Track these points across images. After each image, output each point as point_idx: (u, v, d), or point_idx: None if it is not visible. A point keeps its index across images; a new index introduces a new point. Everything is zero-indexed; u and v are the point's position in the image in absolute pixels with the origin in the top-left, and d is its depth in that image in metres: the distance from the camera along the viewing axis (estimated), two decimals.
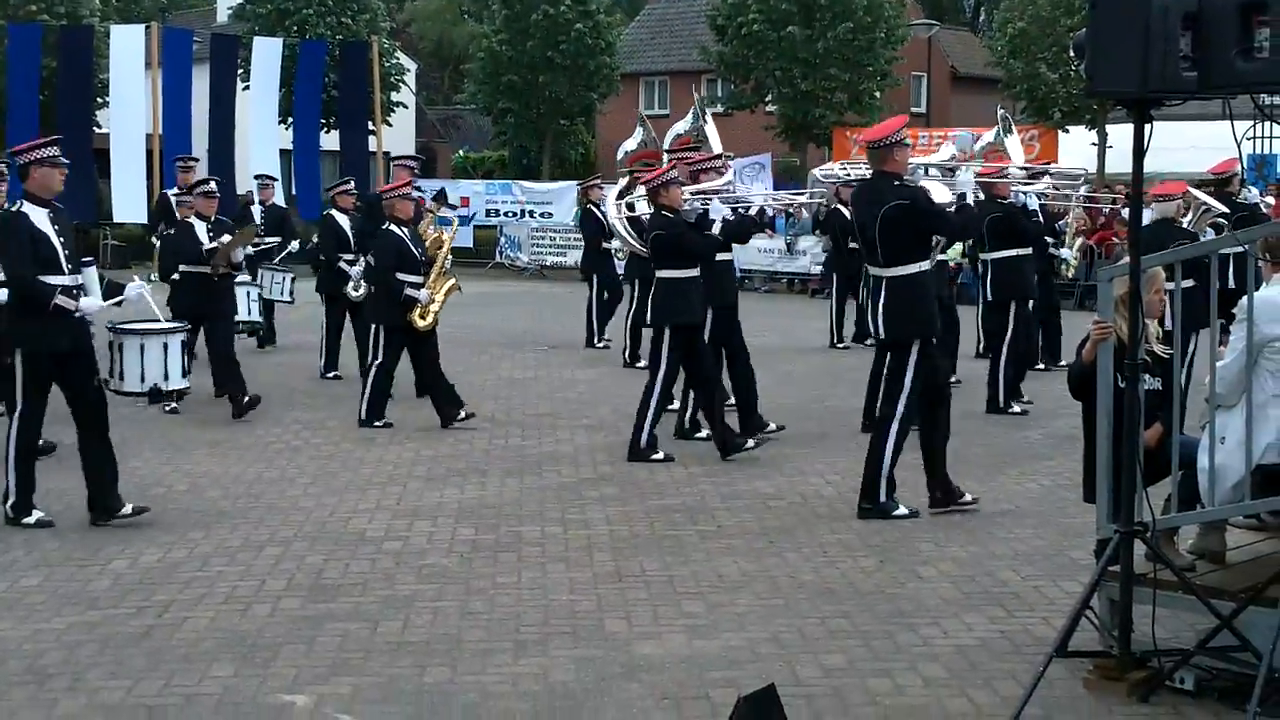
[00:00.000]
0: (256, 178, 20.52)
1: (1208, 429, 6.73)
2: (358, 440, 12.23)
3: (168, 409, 13.11)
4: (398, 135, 40.54)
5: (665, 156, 14.62)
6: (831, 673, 6.55)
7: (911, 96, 48.09)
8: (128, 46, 31.91)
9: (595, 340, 19.04)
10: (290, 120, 34.77)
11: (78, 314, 9.28)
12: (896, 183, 9.63)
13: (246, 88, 33.65)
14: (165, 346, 11.45)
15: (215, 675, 6.50)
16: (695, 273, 11.53)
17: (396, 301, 12.77)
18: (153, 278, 15.65)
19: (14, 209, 9.33)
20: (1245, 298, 6.60)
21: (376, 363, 12.93)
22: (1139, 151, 6.26)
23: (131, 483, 10.49)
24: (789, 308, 25.84)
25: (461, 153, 51.75)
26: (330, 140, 35.40)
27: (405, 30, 64.90)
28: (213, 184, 14.32)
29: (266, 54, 33.87)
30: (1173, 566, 6.38)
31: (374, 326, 13.16)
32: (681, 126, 16.04)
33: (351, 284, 15.27)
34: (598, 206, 18.90)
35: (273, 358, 17.51)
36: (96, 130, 34.23)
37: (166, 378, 11.43)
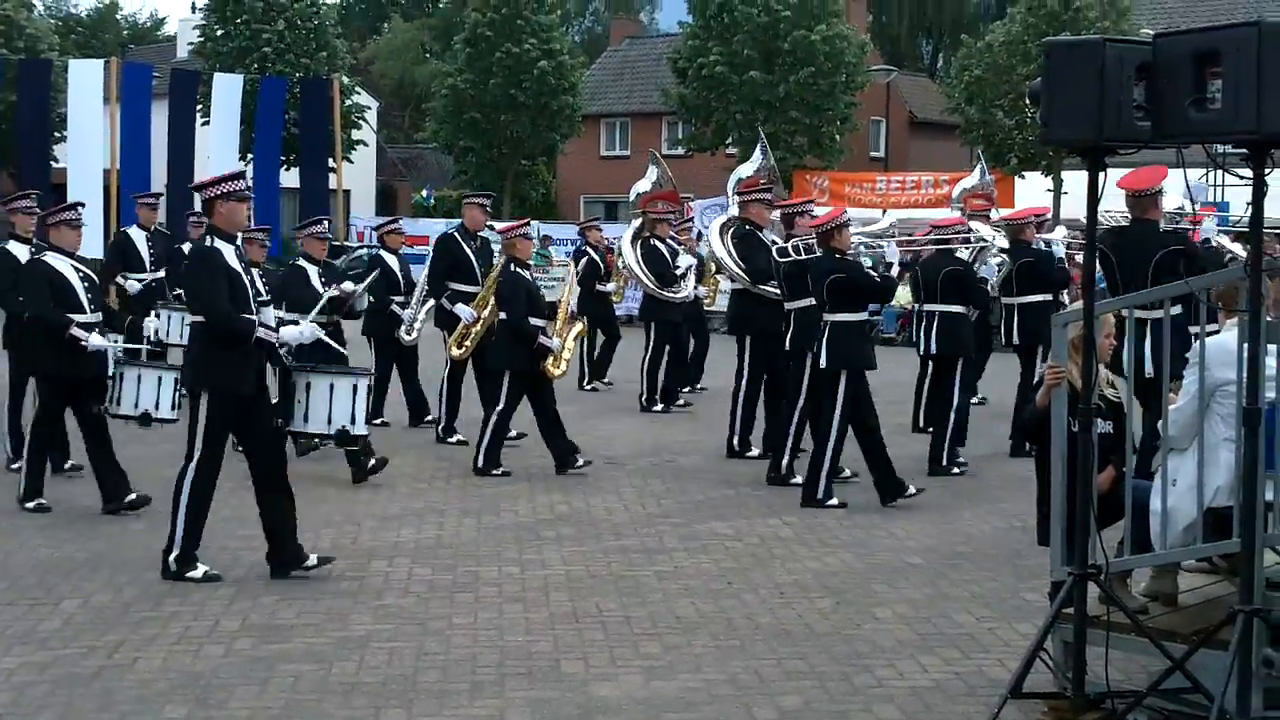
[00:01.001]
0: (189, 215, 18.88)
1: (1160, 472, 6.79)
2: (314, 479, 12.15)
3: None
4: (359, 173, 40.65)
5: (733, 198, 14.65)
6: (788, 714, 6.56)
7: (870, 141, 48.46)
8: (86, 81, 31.81)
9: (585, 383, 18.88)
10: (250, 157, 34.72)
11: (282, 349, 9.55)
12: (1163, 230, 10.50)
13: (206, 123, 33.59)
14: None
15: (168, 717, 6.44)
16: (865, 316, 11.74)
17: (528, 346, 12.40)
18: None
19: (208, 244, 8.93)
20: (1197, 343, 6.67)
21: (497, 409, 12.52)
22: (1093, 198, 6.34)
23: (83, 520, 10.46)
24: None
25: (423, 193, 51.70)
26: (290, 178, 35.36)
27: (367, 68, 64.96)
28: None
29: (227, 90, 33.81)
30: (1126, 609, 6.43)
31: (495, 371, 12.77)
32: (746, 170, 15.89)
33: (404, 327, 14.65)
34: (594, 248, 18.81)
35: None
36: (54, 165, 34.11)
37: (353, 421, 10.84)
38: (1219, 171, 6.40)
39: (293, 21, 40.18)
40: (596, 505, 11.21)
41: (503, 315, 12.64)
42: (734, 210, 14.32)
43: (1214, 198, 23.10)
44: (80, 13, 78.63)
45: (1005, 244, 13.71)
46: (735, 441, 13.60)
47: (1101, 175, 6.29)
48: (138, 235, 16.44)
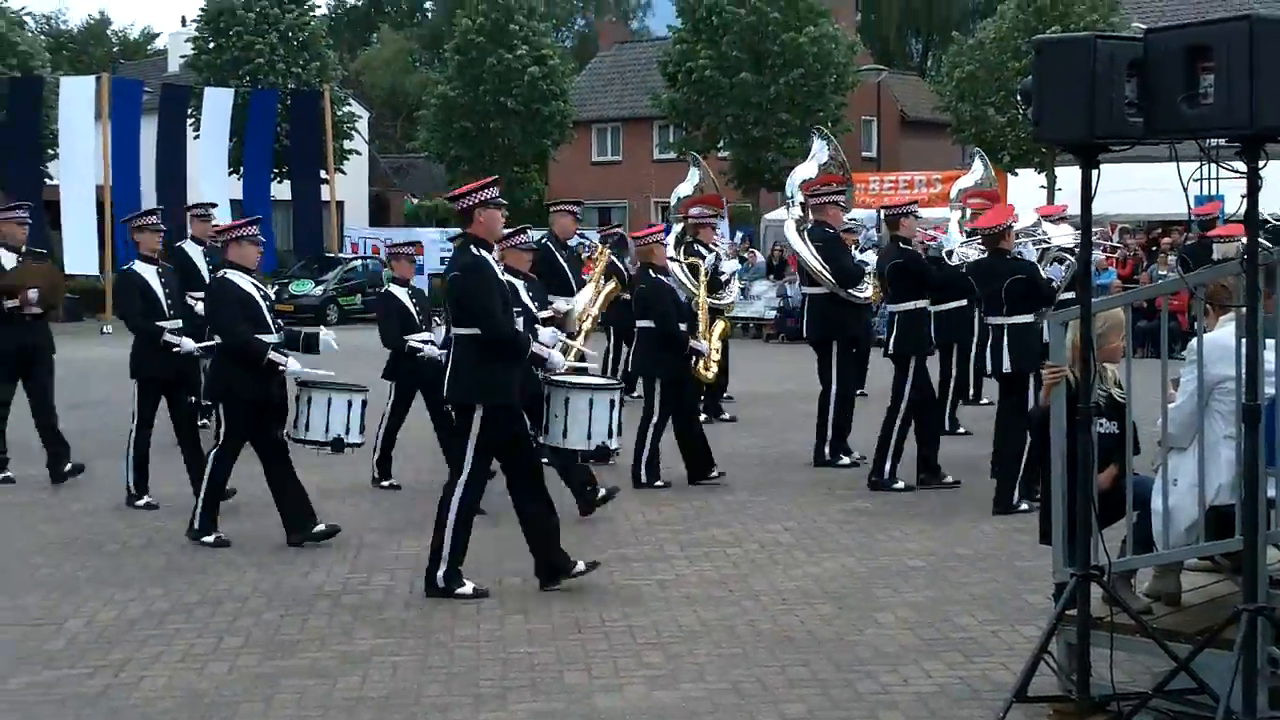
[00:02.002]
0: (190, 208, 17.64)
1: (1160, 471, 6.78)
2: (316, 494, 12.12)
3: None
4: (350, 183, 40.65)
5: (799, 197, 14.54)
6: None
7: (862, 141, 48.45)
8: (77, 97, 31.87)
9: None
10: (241, 170, 34.75)
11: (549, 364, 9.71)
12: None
13: (197, 137, 33.62)
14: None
15: None
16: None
17: (679, 352, 12.35)
18: (106, 330, 15.41)
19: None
20: (1195, 339, 6.67)
21: (652, 421, 12.39)
22: (1086, 196, 6.33)
23: (86, 538, 10.45)
24: (777, 353, 25.88)
25: (413, 199, 51.71)
26: (282, 189, 35.38)
27: (358, 79, 65.01)
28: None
29: (217, 104, 33.87)
30: (1129, 610, 6.42)
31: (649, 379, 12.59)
32: (809, 170, 15.32)
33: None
34: (620, 257, 18.51)
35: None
36: (47, 182, 34.14)
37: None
38: (1212, 165, 6.39)
39: (284, 34, 40.16)
40: (596, 514, 11.18)
41: (647, 323, 12.49)
42: (796, 211, 14.26)
43: (1207, 192, 23.09)
44: (71, 28, 78.73)
45: (1072, 244, 13.64)
46: (827, 449, 13.31)
47: (1095, 172, 6.28)
48: (194, 250, 14.89)
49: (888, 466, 12.08)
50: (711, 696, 6.89)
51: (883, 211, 13.22)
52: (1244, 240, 6.06)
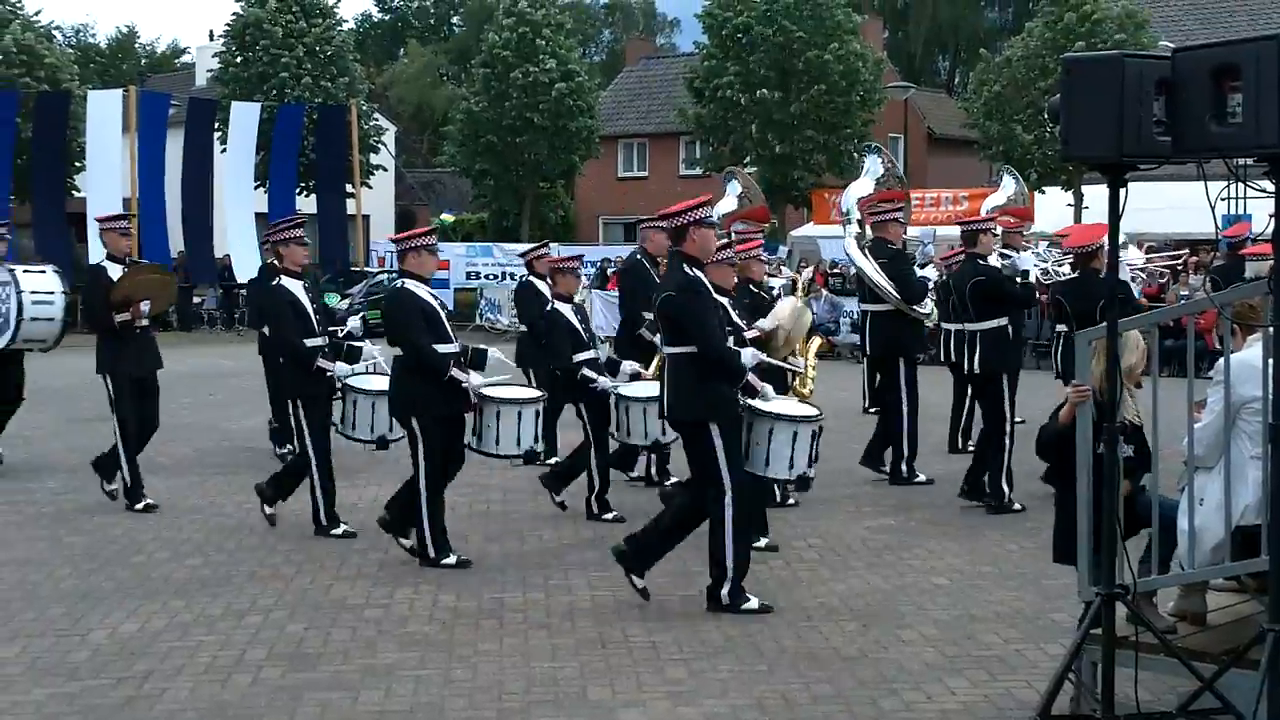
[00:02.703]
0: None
1: (1186, 491, 6.76)
2: (336, 507, 12.16)
3: None
4: (377, 198, 40.77)
5: (856, 214, 14.50)
6: None
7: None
8: (105, 111, 32.00)
9: None
10: (266, 184, 34.84)
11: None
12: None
13: (224, 150, 33.74)
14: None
15: None
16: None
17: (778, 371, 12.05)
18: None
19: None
20: (1221, 359, 6.65)
21: None
22: (1114, 214, 6.31)
23: (112, 550, 10.48)
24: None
25: (448, 217, 51.74)
26: (308, 204, 35.49)
27: (385, 94, 65.22)
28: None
29: (244, 118, 33.97)
30: (1154, 629, 6.39)
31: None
32: (865, 188, 15.20)
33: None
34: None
35: (246, 422, 17.43)
36: (74, 195, 34.31)
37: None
38: (1239, 185, 6.37)
39: (311, 48, 40.32)
40: (620, 530, 11.15)
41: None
42: (854, 228, 14.24)
43: (1234, 211, 23.02)
44: (99, 42, 79.20)
45: (1142, 265, 13.74)
46: (904, 467, 13.34)
47: (1122, 191, 6.27)
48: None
49: (1005, 488, 12.07)
50: (735, 713, 6.88)
51: (960, 228, 13.12)
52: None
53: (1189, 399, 6.73)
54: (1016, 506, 11.95)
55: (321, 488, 11.04)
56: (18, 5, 40.05)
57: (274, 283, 11.23)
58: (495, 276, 36.89)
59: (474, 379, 10.14)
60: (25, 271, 13.59)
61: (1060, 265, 13.00)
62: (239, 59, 40.79)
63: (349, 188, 34.89)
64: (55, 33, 47.18)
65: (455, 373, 9.91)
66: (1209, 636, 6.77)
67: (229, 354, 27.64)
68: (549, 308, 12.26)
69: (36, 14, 41.16)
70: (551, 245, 15.68)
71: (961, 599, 9.07)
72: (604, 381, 11.51)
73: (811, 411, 9.60)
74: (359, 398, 11.13)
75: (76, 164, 34.70)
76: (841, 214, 15.35)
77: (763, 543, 10.36)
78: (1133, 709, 6.23)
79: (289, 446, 14.09)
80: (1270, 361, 5.94)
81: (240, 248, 31.28)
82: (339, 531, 10.99)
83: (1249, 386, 6.49)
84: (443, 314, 10.12)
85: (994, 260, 12.78)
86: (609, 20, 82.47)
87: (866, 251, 13.63)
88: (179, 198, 31.85)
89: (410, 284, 10.04)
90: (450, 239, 45.11)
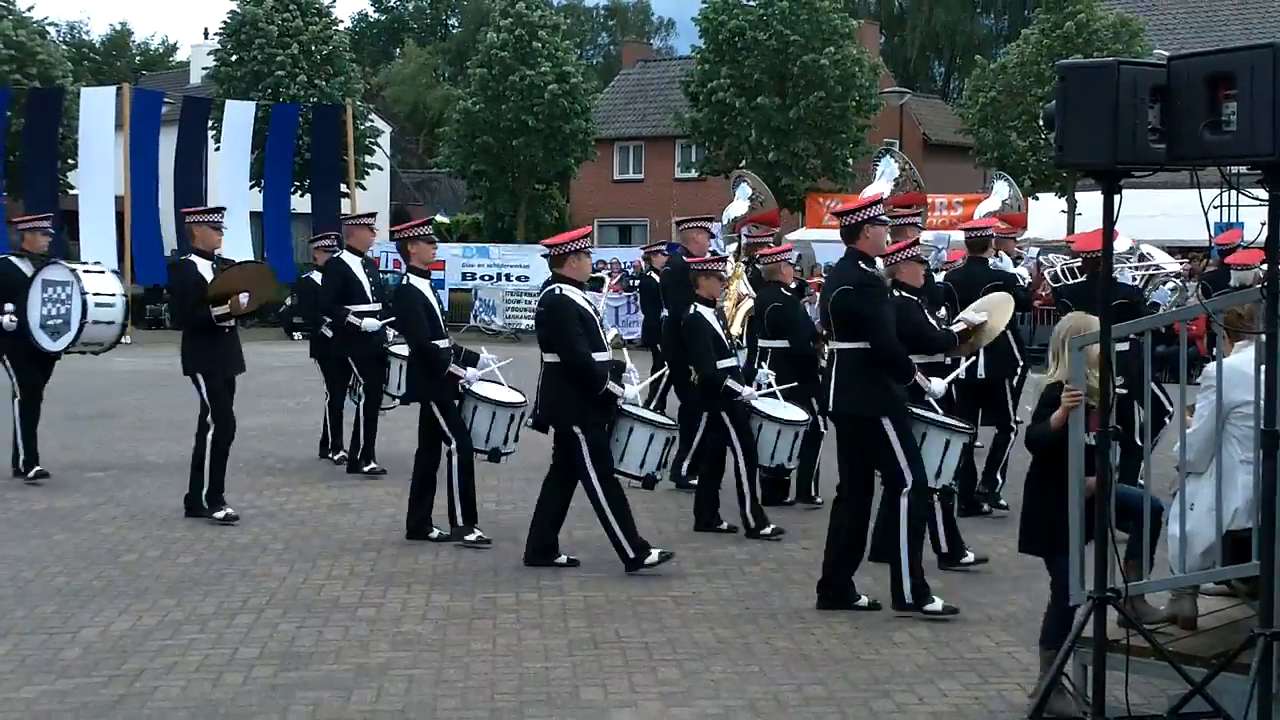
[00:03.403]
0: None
1: (1177, 495, 6.78)
2: (331, 506, 12.20)
3: None
4: (371, 198, 40.71)
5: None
6: None
7: None
8: (98, 108, 32.03)
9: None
10: (262, 183, 34.86)
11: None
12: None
13: (218, 149, 33.76)
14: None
15: None
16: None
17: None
18: (126, 340, 15.32)
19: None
20: (1211, 364, 6.67)
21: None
22: (1108, 221, 6.33)
23: (103, 549, 10.47)
24: None
25: (442, 219, 51.74)
26: (302, 203, 35.50)
27: (380, 93, 65.20)
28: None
29: (238, 117, 34.00)
30: (1145, 632, 6.41)
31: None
32: (882, 189, 15.07)
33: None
34: (658, 273, 18.12)
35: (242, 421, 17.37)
36: (67, 192, 34.30)
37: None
38: (1233, 192, 6.39)
39: (306, 47, 40.30)
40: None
41: (781, 343, 12.18)
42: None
43: (1227, 219, 23.08)
44: (93, 39, 79.14)
45: (1178, 269, 13.68)
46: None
47: (1116, 198, 6.29)
48: (353, 260, 13.86)
49: (999, 478, 12.16)
50: (727, 714, 6.90)
51: (963, 234, 13.03)
52: (1262, 267, 6.06)
53: (1181, 403, 6.75)
54: (988, 509, 11.87)
55: (461, 493, 10.71)
56: (10, 2, 40.02)
57: (404, 283, 10.90)
58: (490, 277, 36.93)
59: (629, 391, 10.04)
60: (86, 271, 13.03)
61: (1072, 263, 12.90)
62: (234, 57, 40.77)
63: (344, 187, 34.90)
64: (49, 29, 47.08)
65: (611, 387, 9.80)
66: (1200, 640, 6.79)
67: None
68: (691, 312, 11.47)
69: (29, 10, 41.17)
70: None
71: (953, 601, 9.06)
72: (747, 392, 11.22)
73: (961, 424, 9.62)
74: (479, 404, 10.77)
75: (69, 161, 34.69)
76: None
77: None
78: (1123, 712, 6.25)
79: (342, 453, 14.10)
80: (1262, 368, 5.96)
81: (234, 247, 31.25)
82: (472, 537, 10.67)
83: (1239, 391, 6.51)
84: (598, 320, 9.95)
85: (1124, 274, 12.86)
86: (606, 23, 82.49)
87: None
88: (171, 196, 31.86)
89: (567, 289, 9.83)
90: (446, 239, 45.15)
